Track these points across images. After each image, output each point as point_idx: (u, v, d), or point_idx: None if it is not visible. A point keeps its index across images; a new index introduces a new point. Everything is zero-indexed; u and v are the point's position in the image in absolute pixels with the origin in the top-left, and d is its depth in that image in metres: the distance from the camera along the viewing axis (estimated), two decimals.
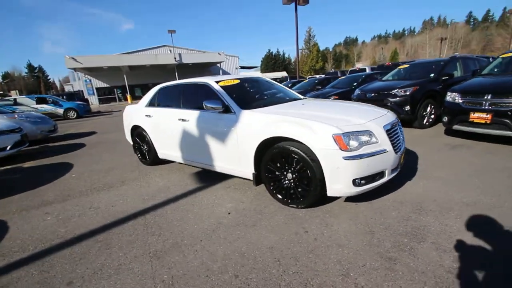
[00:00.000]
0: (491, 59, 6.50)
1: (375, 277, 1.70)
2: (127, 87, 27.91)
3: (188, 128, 3.50)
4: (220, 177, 3.65)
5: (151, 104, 4.30)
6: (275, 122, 2.66)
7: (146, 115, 4.22)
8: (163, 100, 4.15)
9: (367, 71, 14.73)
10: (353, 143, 2.31)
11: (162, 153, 4.17)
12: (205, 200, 3.04)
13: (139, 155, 4.68)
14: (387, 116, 2.81)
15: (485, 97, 4.10)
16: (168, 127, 3.85)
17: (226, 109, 3.06)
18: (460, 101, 4.45)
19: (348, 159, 2.27)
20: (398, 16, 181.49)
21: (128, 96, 26.87)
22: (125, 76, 27.58)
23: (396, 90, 5.61)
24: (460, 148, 4.18)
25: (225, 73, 35.46)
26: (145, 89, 27.40)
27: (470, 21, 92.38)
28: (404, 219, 2.33)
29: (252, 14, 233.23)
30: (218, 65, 33.65)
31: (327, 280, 1.72)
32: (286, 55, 69.90)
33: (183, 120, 3.55)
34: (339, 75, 16.82)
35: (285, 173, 2.68)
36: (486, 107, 4.07)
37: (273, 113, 2.85)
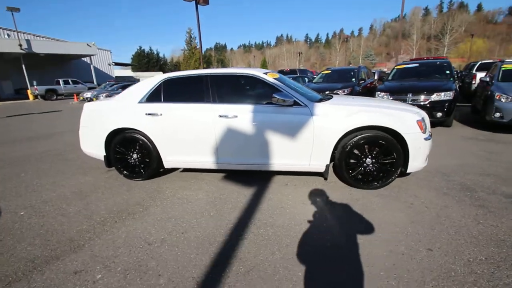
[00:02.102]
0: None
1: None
2: None
3: (235, 125, 3.03)
4: (260, 176, 3.41)
5: (152, 99, 3.32)
6: (355, 113, 2.86)
7: (149, 114, 3.23)
8: (174, 94, 3.31)
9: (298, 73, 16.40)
10: (427, 127, 2.89)
11: (172, 160, 3.33)
12: (292, 208, 2.81)
13: (122, 169, 3.49)
14: None
15: (408, 95, 5.84)
16: (195, 127, 3.14)
17: (294, 102, 2.94)
18: (391, 98, 6.07)
19: (426, 140, 2.83)
20: (258, 31, 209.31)
21: None
22: None
23: (339, 90, 6.87)
24: None
25: (97, 70, 29.35)
26: None
27: (307, 41, 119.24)
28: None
29: (121, 7, 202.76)
30: (86, 59, 27.42)
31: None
32: (161, 55, 65.75)
33: (227, 116, 3.03)
34: None
35: (364, 159, 2.93)
36: (409, 102, 5.79)
37: (345, 104, 3.02)
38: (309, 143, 2.94)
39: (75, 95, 19.88)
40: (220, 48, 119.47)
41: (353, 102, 3.17)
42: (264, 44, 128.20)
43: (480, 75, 8.65)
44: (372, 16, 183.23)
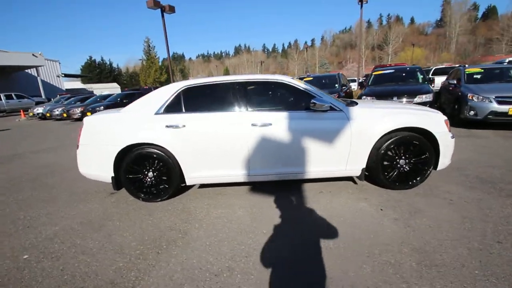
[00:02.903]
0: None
1: None
2: None
3: (269, 133, 2.86)
4: (284, 186, 3.28)
5: (171, 110, 2.99)
6: (390, 115, 2.91)
7: (170, 126, 2.89)
8: (196, 103, 3.02)
9: None
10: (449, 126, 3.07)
11: (197, 177, 3.01)
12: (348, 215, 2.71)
13: (137, 191, 3.06)
14: None
15: (394, 99, 6.25)
16: (224, 137, 2.89)
17: (330, 108, 2.89)
18: None
19: (452, 138, 2.99)
20: (216, 40, 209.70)
21: None
22: None
23: None
24: None
25: (44, 82, 26.14)
26: None
27: (265, 50, 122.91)
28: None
29: (66, 14, 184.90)
30: (32, 71, 24.36)
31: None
32: (115, 65, 61.69)
33: (261, 125, 2.85)
34: None
35: (398, 159, 2.99)
36: None
37: (376, 108, 3.07)
38: (346, 148, 2.90)
39: (21, 111, 17.42)
40: (178, 58, 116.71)
41: (381, 106, 3.24)
42: (223, 54, 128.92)
43: (439, 79, 9.69)
44: (323, 28, 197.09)
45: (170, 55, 15.99)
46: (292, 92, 3.03)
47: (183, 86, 3.04)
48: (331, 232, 2.30)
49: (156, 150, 2.93)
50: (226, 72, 79.72)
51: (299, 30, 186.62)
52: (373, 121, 2.87)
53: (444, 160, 2.99)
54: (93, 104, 12.95)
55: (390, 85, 7.10)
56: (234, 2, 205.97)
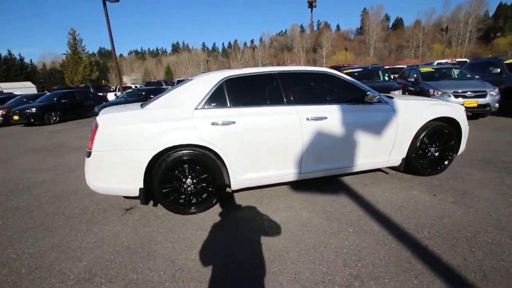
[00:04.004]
0: None
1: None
2: None
3: (324, 128, 2.72)
4: (319, 183, 3.21)
5: (213, 104, 2.56)
6: (425, 106, 3.09)
7: (216, 123, 2.47)
8: (241, 96, 2.66)
9: None
10: None
11: (246, 179, 2.67)
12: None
13: (174, 204, 2.54)
14: None
15: None
16: (279, 134, 2.62)
17: (378, 100, 2.90)
18: None
19: (467, 126, 3.35)
20: (152, 37, 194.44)
21: None
22: None
23: None
24: None
25: None
26: None
27: (205, 49, 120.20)
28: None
29: None
30: None
31: None
32: (27, 60, 51.54)
33: (317, 119, 2.68)
34: (163, 85, 16.20)
35: (429, 147, 3.20)
36: None
37: (412, 100, 3.22)
38: (391, 139, 2.97)
39: None
40: (106, 54, 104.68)
41: (412, 98, 3.42)
42: (160, 51, 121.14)
43: None
44: (261, 30, 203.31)
45: (96, 51, 14.11)
46: (340, 84, 2.95)
47: (225, 76, 2.64)
48: (412, 221, 2.30)
49: (198, 152, 2.48)
50: (168, 70, 74.90)
51: (239, 31, 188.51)
52: (414, 112, 3.01)
53: (463, 147, 3.33)
54: (20, 106, 10.48)
55: (363, 82, 7.65)
56: None
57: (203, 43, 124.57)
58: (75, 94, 11.85)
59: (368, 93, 2.79)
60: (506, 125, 5.94)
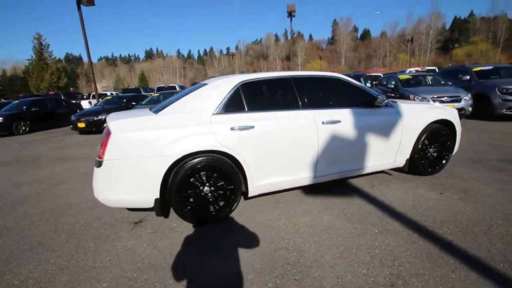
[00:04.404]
0: None
1: None
2: None
3: (339, 131, 2.76)
4: (328, 185, 3.27)
5: (231, 109, 2.50)
6: (428, 109, 3.27)
7: (236, 128, 2.41)
8: (257, 100, 2.63)
9: (177, 88, 15.25)
10: None
11: (263, 185, 2.63)
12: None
13: (192, 214, 2.41)
14: None
15: None
16: (296, 138, 2.62)
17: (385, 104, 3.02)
18: None
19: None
20: (124, 43, 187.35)
21: None
22: None
23: None
24: None
25: None
26: None
27: (180, 56, 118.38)
28: None
29: None
30: None
31: None
32: None
33: (331, 122, 2.72)
34: (142, 92, 15.63)
35: (430, 148, 3.38)
36: None
37: (413, 104, 3.39)
38: (398, 141, 3.09)
39: None
40: (74, 60, 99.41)
41: (413, 103, 3.59)
42: (132, 58, 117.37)
43: None
44: (236, 38, 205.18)
45: (63, 57, 13.42)
46: (349, 88, 3.02)
47: (241, 80, 2.61)
48: (429, 218, 2.39)
49: (217, 158, 2.40)
50: (142, 77, 72.56)
51: (214, 39, 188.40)
52: (417, 115, 3.17)
53: (457, 146, 3.56)
54: None
55: None
56: (142, 2, 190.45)
57: (178, 50, 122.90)
58: (46, 102, 11.03)
59: (378, 97, 2.89)
60: (480, 127, 6.47)
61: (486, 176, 3.30)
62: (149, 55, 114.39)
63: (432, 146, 3.37)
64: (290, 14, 16.80)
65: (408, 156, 3.23)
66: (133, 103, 9.98)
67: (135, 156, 2.22)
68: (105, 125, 2.38)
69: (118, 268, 1.96)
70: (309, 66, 70.57)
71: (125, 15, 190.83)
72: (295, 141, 2.63)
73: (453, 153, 3.58)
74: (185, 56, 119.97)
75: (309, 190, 3.12)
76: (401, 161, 3.23)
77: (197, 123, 2.37)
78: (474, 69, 7.91)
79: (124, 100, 9.99)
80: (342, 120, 2.78)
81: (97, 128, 8.56)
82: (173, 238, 2.32)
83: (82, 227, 2.62)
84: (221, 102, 2.49)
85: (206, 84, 2.67)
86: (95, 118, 8.66)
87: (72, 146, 7.07)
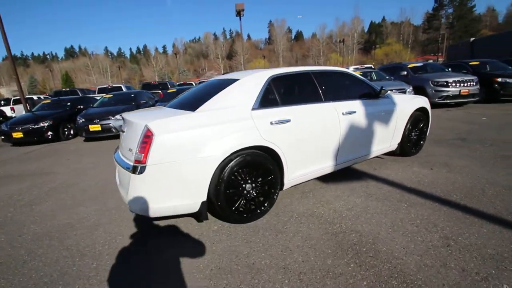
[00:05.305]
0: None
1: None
2: None
3: (355, 121, 3.02)
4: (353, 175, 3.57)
5: (266, 104, 2.49)
6: (411, 100, 3.79)
7: (275, 122, 2.43)
8: (287, 94, 2.70)
9: (123, 89, 13.87)
10: None
11: (297, 176, 2.71)
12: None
13: (235, 213, 2.34)
14: None
15: None
16: (324, 129, 2.78)
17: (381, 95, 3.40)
18: None
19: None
20: (36, 40, 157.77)
21: None
22: None
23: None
24: None
25: None
26: None
27: (108, 54, 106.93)
28: None
29: None
30: None
31: None
32: None
33: (349, 113, 2.95)
34: (79, 94, 13.70)
35: (412, 132, 3.93)
36: None
37: (400, 94, 3.88)
38: (393, 127, 3.53)
39: None
40: None
41: (397, 94, 4.09)
42: (49, 57, 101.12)
43: None
44: (173, 36, 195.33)
45: None
46: (357, 81, 3.31)
47: (272, 75, 2.63)
48: (436, 190, 2.82)
49: (259, 153, 2.38)
50: (68, 77, 63.03)
51: (148, 36, 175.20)
52: (405, 104, 3.66)
53: (429, 129, 4.24)
54: None
55: None
56: None
57: (106, 47, 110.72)
58: None
59: (382, 88, 3.25)
60: None
61: (453, 152, 4.02)
62: (70, 53, 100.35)
63: (414, 131, 3.95)
64: (239, 13, 16.94)
65: (399, 140, 3.71)
66: (79, 106, 8.74)
67: (182, 158, 2.04)
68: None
69: (190, 276, 1.80)
70: (252, 65, 72.10)
71: (38, 7, 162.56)
72: (323, 132, 2.78)
73: (427, 135, 4.25)
74: (115, 54, 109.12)
75: (326, 179, 3.31)
76: (394, 145, 3.69)
77: (239, 119, 2.31)
78: (410, 66, 9.36)
79: (69, 104, 8.67)
80: (357, 111, 3.05)
81: (39, 137, 7.26)
82: (225, 240, 2.22)
83: (105, 246, 2.28)
84: (257, 98, 2.46)
85: (235, 79, 2.59)
86: (35, 126, 7.32)
87: (14, 162, 5.85)
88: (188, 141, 2.08)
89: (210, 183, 2.16)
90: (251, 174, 2.40)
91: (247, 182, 2.39)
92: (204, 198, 2.17)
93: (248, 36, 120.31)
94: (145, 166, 1.97)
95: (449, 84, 7.99)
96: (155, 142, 1.97)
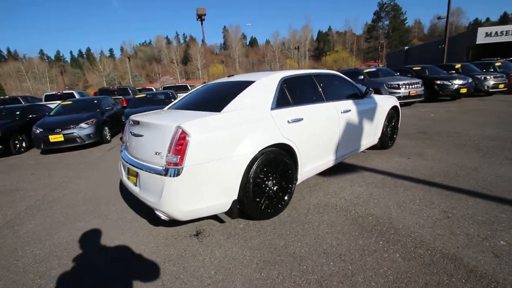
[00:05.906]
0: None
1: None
2: None
3: (350, 118, 3.35)
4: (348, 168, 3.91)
5: (281, 104, 2.63)
6: (386, 99, 4.30)
7: (292, 120, 2.59)
8: (297, 95, 2.87)
9: (76, 96, 12.62)
10: None
11: (307, 171, 2.91)
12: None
13: (260, 210, 2.44)
14: None
15: None
16: (328, 127, 3.03)
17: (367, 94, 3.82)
18: None
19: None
20: None
21: None
22: None
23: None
24: None
25: None
26: None
27: (44, 57, 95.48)
28: None
29: None
30: None
31: None
32: None
33: (346, 111, 3.26)
34: (22, 102, 12.08)
35: (388, 127, 4.46)
36: None
37: (376, 95, 4.35)
38: (376, 123, 3.98)
39: None
40: None
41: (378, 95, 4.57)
42: None
43: None
44: (120, 38, 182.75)
45: None
46: (347, 83, 3.66)
47: (283, 76, 2.82)
48: (421, 175, 3.28)
49: (279, 151, 2.52)
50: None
51: (92, 38, 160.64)
52: (383, 102, 4.15)
53: (399, 125, 4.85)
54: None
55: None
56: None
57: (41, 50, 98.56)
58: None
59: (368, 89, 3.65)
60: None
61: (421, 144, 4.66)
62: None
63: (389, 126, 4.48)
64: (200, 18, 16.80)
65: (380, 135, 4.19)
66: (31, 115, 7.76)
67: (216, 158, 2.08)
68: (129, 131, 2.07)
69: (238, 271, 1.84)
70: (210, 70, 71.45)
71: None
72: (327, 129, 3.04)
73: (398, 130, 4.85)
74: (53, 58, 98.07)
75: (326, 174, 3.57)
76: (376, 140, 4.15)
77: (263, 118, 2.42)
78: (365, 71, 10.41)
79: (17, 113, 7.63)
80: (351, 109, 3.38)
81: None
82: (255, 236, 2.29)
83: (137, 258, 2.16)
84: (273, 98, 2.60)
85: (251, 81, 2.70)
86: None
87: None
88: (222, 141, 2.12)
89: (241, 181, 2.22)
90: (273, 170, 2.51)
91: (269, 179, 2.50)
92: (236, 197, 2.22)
93: (203, 41, 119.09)
94: (182, 167, 1.95)
95: (400, 86, 9.12)
96: (191, 142, 1.97)
